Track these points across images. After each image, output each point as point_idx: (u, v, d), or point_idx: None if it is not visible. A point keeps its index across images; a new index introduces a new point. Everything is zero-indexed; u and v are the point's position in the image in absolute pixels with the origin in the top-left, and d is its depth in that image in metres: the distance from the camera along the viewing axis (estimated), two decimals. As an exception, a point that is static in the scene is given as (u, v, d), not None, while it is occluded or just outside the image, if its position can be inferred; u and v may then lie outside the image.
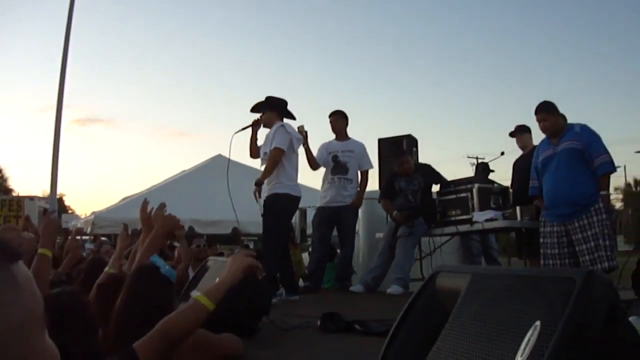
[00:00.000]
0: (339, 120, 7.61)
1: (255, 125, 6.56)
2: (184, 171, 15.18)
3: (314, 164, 7.40)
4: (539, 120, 5.70)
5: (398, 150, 7.85)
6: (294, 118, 6.63)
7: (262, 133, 6.57)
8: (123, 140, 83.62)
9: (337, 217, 7.30)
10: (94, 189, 79.44)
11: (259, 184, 6.10)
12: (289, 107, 6.59)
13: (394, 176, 7.28)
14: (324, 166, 7.49)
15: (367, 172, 7.53)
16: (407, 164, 7.23)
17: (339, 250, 7.91)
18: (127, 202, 15.19)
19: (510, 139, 7.36)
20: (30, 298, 0.75)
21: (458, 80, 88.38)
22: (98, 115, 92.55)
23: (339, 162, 7.38)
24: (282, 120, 6.42)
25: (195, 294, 2.28)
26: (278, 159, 6.13)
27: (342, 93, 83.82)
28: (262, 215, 6.15)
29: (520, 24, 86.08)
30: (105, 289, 3.24)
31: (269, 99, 6.53)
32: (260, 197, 6.13)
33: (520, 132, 7.24)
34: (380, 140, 8.86)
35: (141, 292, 2.62)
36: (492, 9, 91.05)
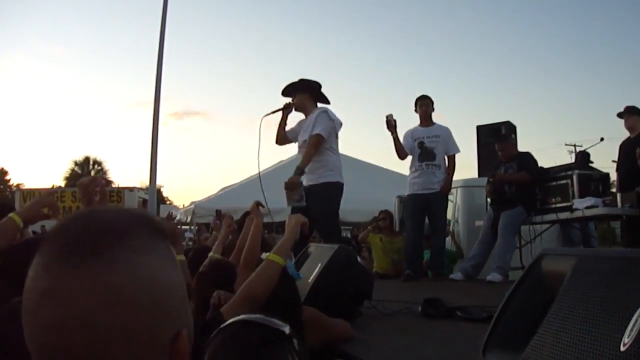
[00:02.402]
0: (429, 105, 7.51)
1: (286, 109, 6.24)
2: (281, 161, 15.42)
3: (402, 153, 7.34)
4: None
5: (497, 137, 7.73)
6: (328, 102, 6.23)
7: (295, 118, 6.36)
8: (219, 133, 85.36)
9: (427, 205, 7.24)
10: (190, 180, 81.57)
11: (300, 173, 5.87)
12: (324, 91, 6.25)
13: (499, 163, 7.21)
14: (410, 153, 7.40)
15: (454, 156, 7.41)
16: (501, 151, 7.15)
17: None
18: (226, 192, 15.62)
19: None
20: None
21: (555, 66, 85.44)
22: (194, 108, 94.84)
23: (426, 148, 7.30)
24: (315, 104, 6.16)
25: (264, 255, 2.54)
26: (319, 146, 5.86)
27: (440, 79, 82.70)
28: (308, 203, 5.82)
29: (620, 5, 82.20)
30: (207, 276, 3.40)
31: (302, 81, 6.20)
32: (297, 188, 5.86)
33: (629, 114, 6.97)
34: (478, 127, 8.76)
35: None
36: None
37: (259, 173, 6.37)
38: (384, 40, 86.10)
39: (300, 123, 6.29)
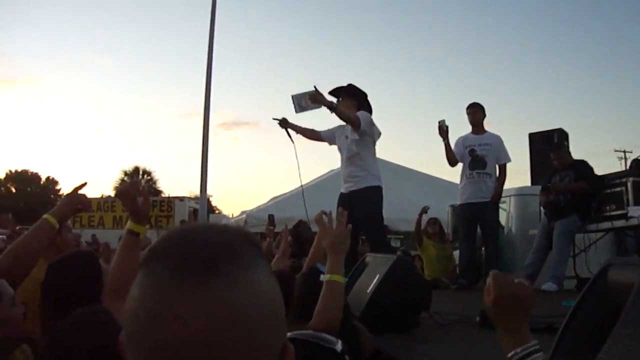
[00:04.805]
0: (477, 112, 7.47)
1: (282, 124, 6.27)
2: (332, 170, 15.46)
3: (452, 160, 7.31)
4: None
5: (551, 146, 7.66)
6: (371, 112, 6.21)
7: (332, 119, 6.30)
8: (269, 143, 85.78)
9: (478, 215, 7.21)
10: (240, 190, 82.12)
11: (331, 107, 5.76)
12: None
13: (554, 171, 7.14)
14: (461, 161, 7.38)
15: (505, 165, 7.35)
16: (557, 160, 7.07)
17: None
18: (277, 202, 15.68)
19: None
20: None
21: (603, 70, 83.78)
22: (243, 118, 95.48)
23: (477, 156, 7.27)
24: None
25: (324, 277, 2.54)
26: (356, 122, 5.85)
27: (489, 86, 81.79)
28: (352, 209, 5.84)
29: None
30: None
31: (351, 86, 6.27)
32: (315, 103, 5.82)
33: None
34: (531, 135, 8.69)
35: (307, 294, 2.81)
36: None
37: (302, 186, 6.56)
38: (433, 48, 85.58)
39: (338, 128, 6.33)
